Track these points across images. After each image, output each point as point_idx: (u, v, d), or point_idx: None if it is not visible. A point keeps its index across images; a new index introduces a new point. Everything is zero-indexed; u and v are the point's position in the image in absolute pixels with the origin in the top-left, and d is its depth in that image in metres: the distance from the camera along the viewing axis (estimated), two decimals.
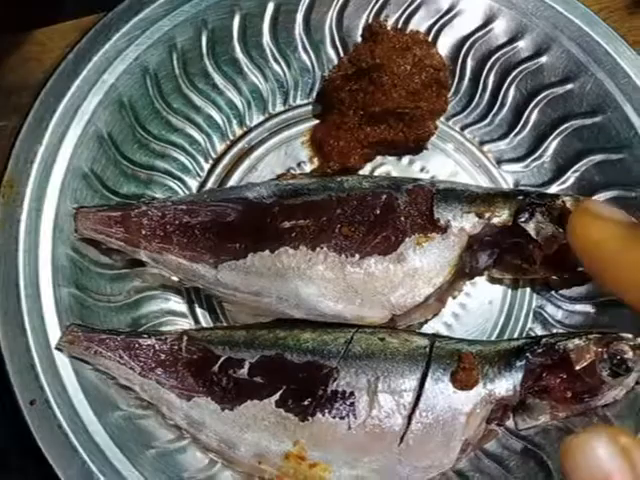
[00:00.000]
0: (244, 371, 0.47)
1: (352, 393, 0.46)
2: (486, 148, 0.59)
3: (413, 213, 0.50)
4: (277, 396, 0.46)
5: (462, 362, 0.47)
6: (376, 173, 0.57)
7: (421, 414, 0.46)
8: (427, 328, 0.54)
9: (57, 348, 0.47)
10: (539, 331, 0.54)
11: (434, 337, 0.50)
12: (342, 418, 0.46)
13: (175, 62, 0.55)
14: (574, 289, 0.54)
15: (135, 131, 0.54)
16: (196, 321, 0.53)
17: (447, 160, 0.58)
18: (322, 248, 0.49)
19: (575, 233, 0.24)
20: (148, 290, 0.53)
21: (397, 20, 0.58)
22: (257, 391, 0.47)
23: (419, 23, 0.58)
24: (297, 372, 0.47)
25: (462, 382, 0.46)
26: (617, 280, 0.22)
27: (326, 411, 0.46)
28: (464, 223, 0.49)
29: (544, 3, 0.57)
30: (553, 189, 0.57)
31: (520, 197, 0.51)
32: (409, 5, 0.58)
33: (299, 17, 0.57)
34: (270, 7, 0.57)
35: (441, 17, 0.58)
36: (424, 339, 0.49)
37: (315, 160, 0.58)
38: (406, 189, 0.51)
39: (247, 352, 0.48)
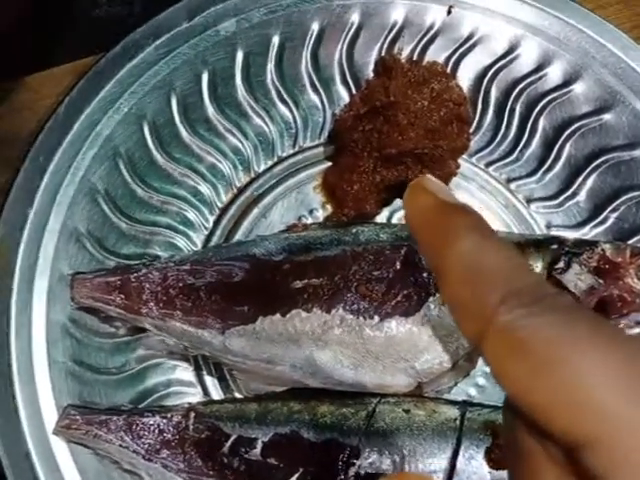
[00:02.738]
0: (257, 451, 0.43)
1: (376, 475, 0.42)
2: (514, 186, 0.54)
3: None
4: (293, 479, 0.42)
5: (497, 438, 0.42)
6: (394, 219, 0.53)
7: None
8: (457, 390, 0.49)
9: (54, 433, 0.43)
10: None
11: (465, 406, 0.46)
12: None
13: (174, 108, 0.51)
14: None
15: (134, 185, 0.50)
16: (205, 391, 0.49)
17: (472, 200, 0.53)
18: (338, 310, 0.45)
19: (405, 201, 0.26)
20: (152, 358, 0.48)
21: (412, 51, 0.53)
22: (271, 474, 0.43)
23: (436, 54, 0.53)
24: (314, 452, 0.43)
25: (498, 462, 0.42)
26: (424, 244, 0.24)
27: None
28: None
29: (573, 27, 0.52)
30: (589, 230, 0.52)
31: (554, 246, 0.46)
32: (425, 35, 0.53)
33: (306, 53, 0.53)
34: (274, 43, 0.53)
35: (460, 46, 0.54)
36: (453, 409, 0.45)
37: (328, 206, 0.53)
38: None
39: (259, 429, 0.44)
